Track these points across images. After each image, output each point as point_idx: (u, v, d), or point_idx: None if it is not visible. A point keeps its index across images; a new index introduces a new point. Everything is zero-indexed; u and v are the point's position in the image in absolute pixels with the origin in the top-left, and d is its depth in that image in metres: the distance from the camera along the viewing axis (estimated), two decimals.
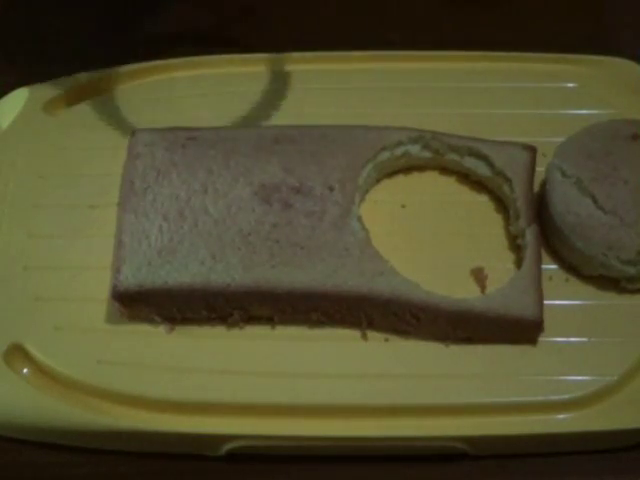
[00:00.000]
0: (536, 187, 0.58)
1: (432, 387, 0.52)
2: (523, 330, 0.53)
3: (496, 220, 0.59)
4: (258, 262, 0.53)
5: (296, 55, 0.67)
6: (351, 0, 0.73)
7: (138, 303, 0.54)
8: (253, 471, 0.53)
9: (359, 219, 0.55)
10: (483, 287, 0.55)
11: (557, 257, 0.57)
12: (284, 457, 0.52)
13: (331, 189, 0.56)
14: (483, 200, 0.60)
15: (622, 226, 0.53)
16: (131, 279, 0.53)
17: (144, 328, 0.54)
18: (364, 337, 0.54)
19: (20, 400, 0.52)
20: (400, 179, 0.61)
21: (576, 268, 0.56)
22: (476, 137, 0.59)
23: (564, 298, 0.55)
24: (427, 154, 0.60)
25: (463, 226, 0.58)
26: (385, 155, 0.59)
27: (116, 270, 0.54)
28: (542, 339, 0.53)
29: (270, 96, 0.64)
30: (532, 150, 0.59)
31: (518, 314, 0.52)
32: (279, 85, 0.65)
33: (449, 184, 0.60)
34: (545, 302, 0.53)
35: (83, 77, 0.65)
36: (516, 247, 0.57)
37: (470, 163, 0.59)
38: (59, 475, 0.53)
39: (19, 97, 0.64)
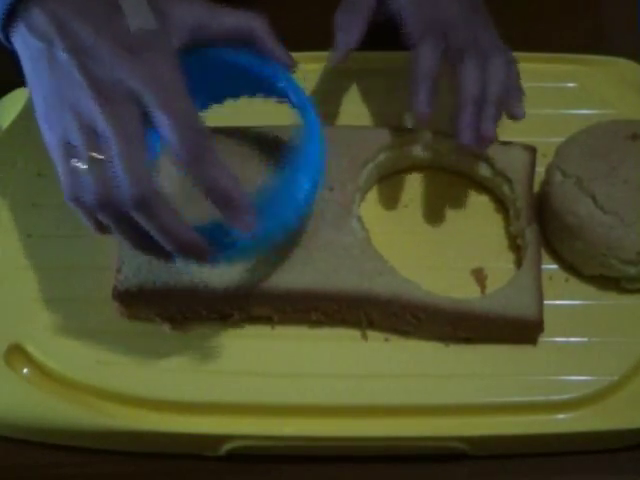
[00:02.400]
0: (536, 187, 0.58)
1: (432, 387, 0.52)
2: (523, 330, 0.53)
3: (496, 220, 0.59)
4: (258, 262, 0.53)
5: (293, 55, 0.66)
6: None
7: (138, 303, 0.54)
8: (253, 471, 0.53)
9: (359, 219, 0.55)
10: (483, 287, 0.55)
11: (557, 257, 0.57)
12: (284, 457, 0.52)
13: (331, 189, 0.56)
14: (483, 200, 0.60)
15: (622, 226, 0.53)
16: (131, 279, 0.53)
17: (144, 328, 0.54)
18: (364, 337, 0.54)
19: (20, 400, 0.52)
20: (400, 179, 0.61)
21: (576, 268, 0.56)
22: None
23: (564, 298, 0.55)
24: (427, 154, 0.60)
25: (463, 226, 0.58)
26: (385, 155, 0.59)
27: (116, 270, 0.54)
28: (542, 339, 0.53)
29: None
30: (532, 150, 0.59)
31: (518, 314, 0.52)
32: None
33: (449, 184, 0.60)
34: (545, 302, 0.53)
35: None
36: (516, 247, 0.57)
37: (470, 163, 0.59)
38: (59, 475, 0.53)
39: (19, 97, 0.64)
